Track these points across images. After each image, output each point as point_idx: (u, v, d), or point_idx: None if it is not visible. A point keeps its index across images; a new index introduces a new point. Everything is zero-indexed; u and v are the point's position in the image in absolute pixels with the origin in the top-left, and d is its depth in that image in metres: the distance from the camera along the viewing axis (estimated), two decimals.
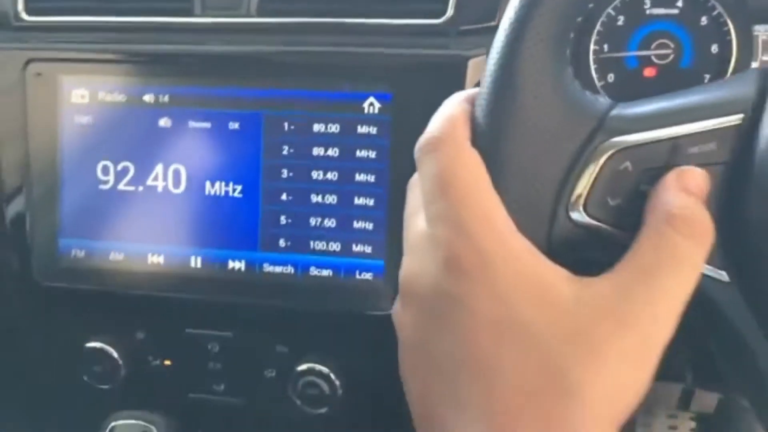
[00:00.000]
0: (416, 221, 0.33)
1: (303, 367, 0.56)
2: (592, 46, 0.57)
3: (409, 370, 0.33)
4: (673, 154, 0.32)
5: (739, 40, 0.55)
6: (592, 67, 0.57)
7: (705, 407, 0.76)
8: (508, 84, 0.32)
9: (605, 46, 0.57)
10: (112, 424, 0.60)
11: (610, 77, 0.57)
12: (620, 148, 0.32)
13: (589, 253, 0.33)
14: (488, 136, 0.33)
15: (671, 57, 0.56)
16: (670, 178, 0.31)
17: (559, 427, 0.28)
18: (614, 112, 0.33)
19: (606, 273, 0.30)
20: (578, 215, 0.32)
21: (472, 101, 0.34)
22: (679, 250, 0.30)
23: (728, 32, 0.55)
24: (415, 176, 0.35)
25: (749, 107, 0.32)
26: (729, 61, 0.55)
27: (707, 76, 0.55)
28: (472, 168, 0.32)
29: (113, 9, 0.58)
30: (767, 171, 0.30)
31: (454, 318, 0.30)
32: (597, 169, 0.32)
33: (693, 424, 0.78)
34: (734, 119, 0.32)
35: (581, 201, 0.32)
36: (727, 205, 0.31)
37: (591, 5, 0.33)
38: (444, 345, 0.31)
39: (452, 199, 0.31)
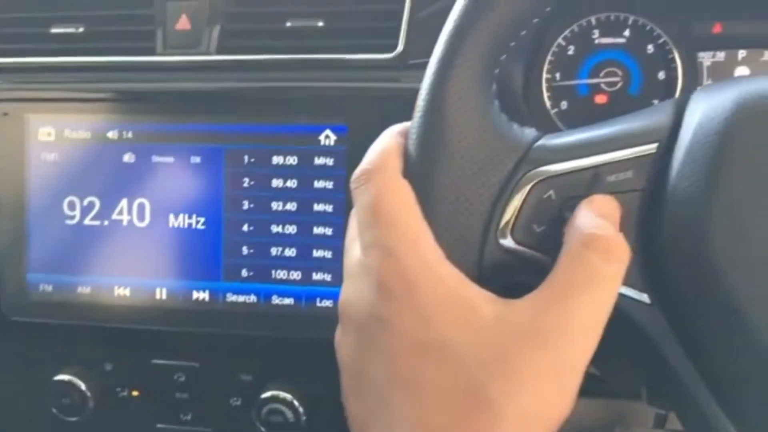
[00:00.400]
0: (353, 249, 0.35)
1: (267, 394, 0.56)
2: (544, 75, 0.59)
3: (347, 392, 0.34)
4: (593, 183, 0.33)
5: (684, 66, 0.57)
6: (545, 95, 0.59)
7: (680, 425, 0.77)
8: (436, 118, 0.34)
9: (557, 75, 0.59)
10: None
11: (563, 104, 0.59)
12: (543, 178, 0.33)
13: (518, 277, 0.34)
14: (418, 168, 0.34)
15: (620, 84, 0.58)
16: (583, 204, 0.32)
17: None
18: (539, 143, 0.34)
19: (528, 294, 0.32)
20: (506, 241, 0.34)
21: (405, 134, 0.36)
22: (594, 269, 0.31)
23: (673, 59, 0.57)
24: (354, 210, 0.36)
25: (664, 136, 0.33)
26: (675, 87, 0.57)
27: (655, 102, 0.57)
28: (402, 196, 0.33)
29: (78, 49, 0.59)
30: (678, 197, 0.32)
31: (383, 339, 0.32)
32: (523, 197, 0.34)
33: None
34: (649, 148, 0.33)
35: (509, 228, 0.34)
36: (644, 230, 0.33)
37: (513, 44, 0.35)
38: (375, 366, 0.32)
39: (382, 225, 0.33)
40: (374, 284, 0.32)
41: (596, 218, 0.32)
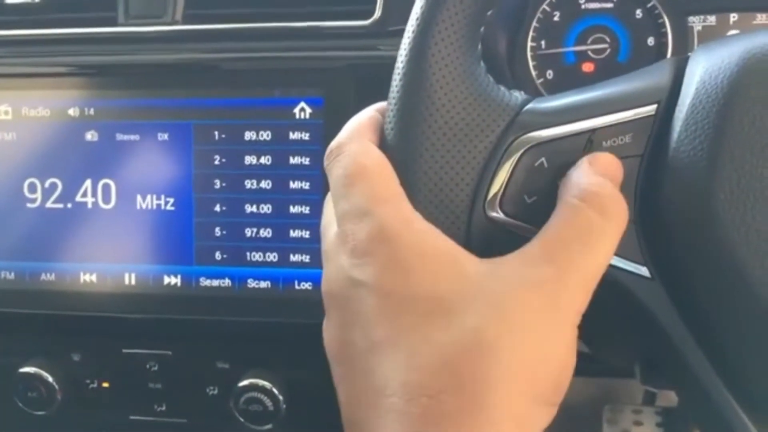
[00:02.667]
0: (330, 231, 0.33)
1: (245, 383, 0.54)
2: (529, 43, 0.57)
3: (336, 380, 0.32)
4: (588, 149, 0.31)
5: (674, 31, 0.55)
6: (530, 63, 0.57)
7: (669, 402, 0.76)
8: (416, 79, 0.31)
9: (542, 43, 0.57)
10: None
11: (549, 74, 0.57)
12: (534, 144, 0.31)
13: (508, 251, 0.32)
14: (398, 136, 0.32)
15: (608, 51, 0.56)
16: (583, 161, 0.30)
17: (479, 386, 0.27)
18: (529, 106, 0.32)
19: (517, 250, 0.30)
20: (495, 214, 0.31)
21: (383, 112, 0.34)
22: (590, 224, 0.29)
23: (663, 24, 0.55)
24: (329, 194, 0.34)
25: (664, 97, 0.31)
26: (665, 54, 0.55)
27: None
28: (377, 162, 0.31)
29: (34, 21, 0.56)
30: (680, 162, 0.29)
31: (363, 303, 0.30)
32: (512, 166, 0.31)
33: (658, 419, 0.78)
34: (648, 110, 0.31)
35: (497, 199, 0.31)
36: (644, 198, 0.31)
37: None
38: (357, 335, 0.30)
39: (356, 191, 0.31)
40: (349, 249, 0.30)
41: (594, 175, 0.30)
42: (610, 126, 0.31)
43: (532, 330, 0.28)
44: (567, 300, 0.29)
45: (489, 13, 0.33)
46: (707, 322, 0.30)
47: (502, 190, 0.31)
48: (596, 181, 0.30)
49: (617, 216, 0.30)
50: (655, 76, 0.32)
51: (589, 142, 0.31)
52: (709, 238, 0.29)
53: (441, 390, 0.28)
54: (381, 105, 0.35)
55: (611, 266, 0.30)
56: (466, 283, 0.29)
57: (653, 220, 0.30)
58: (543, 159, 0.31)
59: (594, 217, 0.29)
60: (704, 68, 0.30)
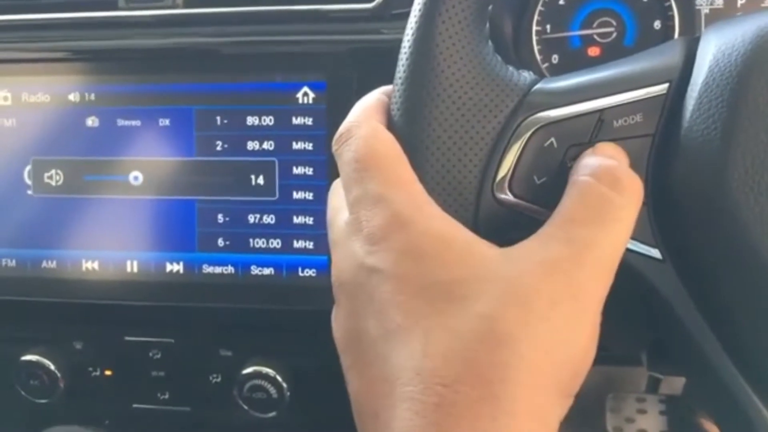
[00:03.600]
0: (339, 218, 0.32)
1: (248, 370, 0.54)
2: (534, 27, 0.56)
3: (346, 370, 0.31)
4: (598, 129, 0.30)
5: (681, 15, 0.54)
6: (536, 48, 0.56)
7: (673, 390, 0.76)
8: (424, 59, 0.31)
9: (548, 27, 0.56)
10: None
11: (554, 58, 0.56)
12: (544, 124, 0.31)
13: (517, 234, 0.31)
14: (405, 116, 0.31)
15: (614, 35, 0.55)
16: (589, 152, 0.30)
17: (496, 377, 0.26)
18: (538, 86, 0.32)
19: (531, 236, 0.29)
20: (504, 195, 0.31)
21: (389, 94, 0.33)
22: (605, 199, 0.28)
23: (670, 8, 0.54)
24: (336, 181, 0.34)
25: (675, 76, 0.31)
26: (672, 37, 0.54)
27: None
28: (389, 145, 0.31)
29: (34, 6, 0.55)
30: (692, 142, 0.29)
31: (378, 290, 0.29)
32: (521, 146, 0.31)
33: (662, 407, 0.77)
34: (659, 89, 0.30)
35: (507, 180, 0.31)
36: (655, 179, 0.30)
37: None
38: (370, 323, 0.29)
39: (368, 176, 0.30)
40: (363, 236, 0.30)
41: (604, 155, 0.29)
42: (621, 105, 0.30)
43: (551, 318, 0.27)
44: (586, 284, 0.28)
45: None
46: (719, 304, 0.30)
47: (511, 171, 0.31)
48: (606, 162, 0.29)
49: (631, 190, 0.29)
50: (666, 56, 0.31)
51: (599, 122, 0.30)
52: (722, 218, 0.28)
53: (456, 379, 0.27)
54: (387, 88, 0.34)
55: None
56: (481, 268, 0.28)
57: (665, 200, 0.30)
58: (552, 139, 0.31)
59: (607, 192, 0.28)
60: (717, 47, 0.30)
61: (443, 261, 0.28)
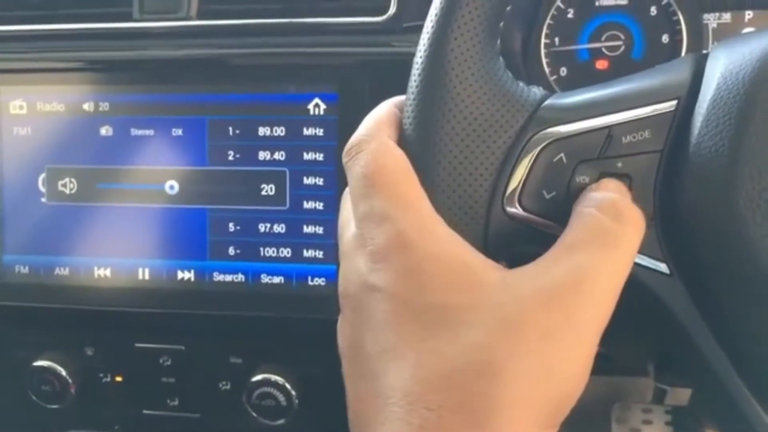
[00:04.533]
0: (348, 231, 0.33)
1: (258, 377, 0.54)
2: (543, 40, 0.56)
3: (346, 377, 0.32)
4: (607, 144, 0.31)
5: (688, 29, 0.54)
6: (544, 61, 0.56)
7: (679, 401, 0.76)
8: (436, 74, 0.31)
9: (556, 40, 0.56)
10: None
11: (563, 71, 0.56)
12: (553, 139, 0.31)
13: (526, 248, 0.32)
14: (416, 131, 0.32)
15: (622, 48, 0.56)
16: (593, 186, 0.30)
17: (481, 407, 0.27)
18: (548, 102, 0.32)
19: (535, 260, 0.30)
20: (514, 209, 0.31)
21: (401, 107, 0.33)
22: (606, 229, 0.29)
23: (678, 22, 0.54)
24: (347, 190, 0.34)
25: (683, 93, 0.31)
26: (680, 51, 0.55)
27: None
28: (397, 161, 0.31)
29: (49, 17, 0.56)
30: (701, 158, 0.29)
31: (377, 308, 0.29)
32: (531, 161, 0.31)
33: (668, 417, 0.77)
34: (668, 106, 0.31)
35: (516, 194, 0.31)
36: (663, 194, 0.30)
37: None
38: (368, 338, 0.30)
39: (376, 192, 0.31)
40: (369, 253, 0.30)
41: (607, 189, 0.30)
42: (630, 122, 0.31)
43: (542, 350, 0.27)
44: (584, 314, 0.28)
45: (508, 8, 0.32)
46: (726, 318, 0.30)
47: (520, 185, 0.31)
48: (608, 195, 0.30)
49: (633, 221, 0.29)
50: (675, 73, 0.32)
51: (608, 138, 0.31)
52: (730, 235, 0.29)
53: (441, 405, 0.27)
54: (398, 99, 0.34)
55: None
56: (478, 295, 0.28)
57: (673, 216, 0.30)
58: (562, 155, 0.31)
59: (609, 223, 0.29)
60: (725, 65, 0.30)
61: (441, 285, 0.29)
